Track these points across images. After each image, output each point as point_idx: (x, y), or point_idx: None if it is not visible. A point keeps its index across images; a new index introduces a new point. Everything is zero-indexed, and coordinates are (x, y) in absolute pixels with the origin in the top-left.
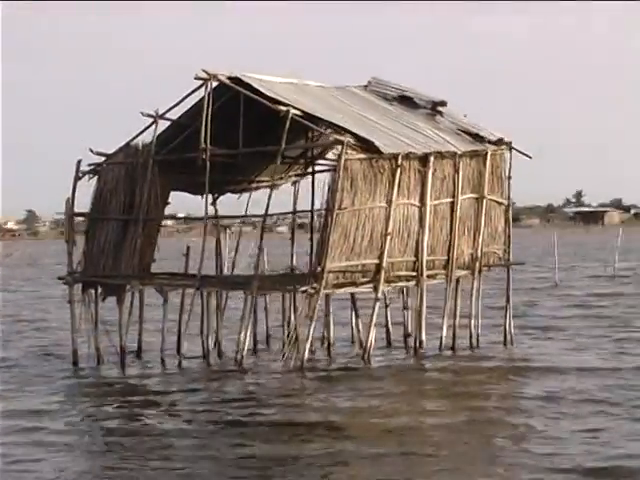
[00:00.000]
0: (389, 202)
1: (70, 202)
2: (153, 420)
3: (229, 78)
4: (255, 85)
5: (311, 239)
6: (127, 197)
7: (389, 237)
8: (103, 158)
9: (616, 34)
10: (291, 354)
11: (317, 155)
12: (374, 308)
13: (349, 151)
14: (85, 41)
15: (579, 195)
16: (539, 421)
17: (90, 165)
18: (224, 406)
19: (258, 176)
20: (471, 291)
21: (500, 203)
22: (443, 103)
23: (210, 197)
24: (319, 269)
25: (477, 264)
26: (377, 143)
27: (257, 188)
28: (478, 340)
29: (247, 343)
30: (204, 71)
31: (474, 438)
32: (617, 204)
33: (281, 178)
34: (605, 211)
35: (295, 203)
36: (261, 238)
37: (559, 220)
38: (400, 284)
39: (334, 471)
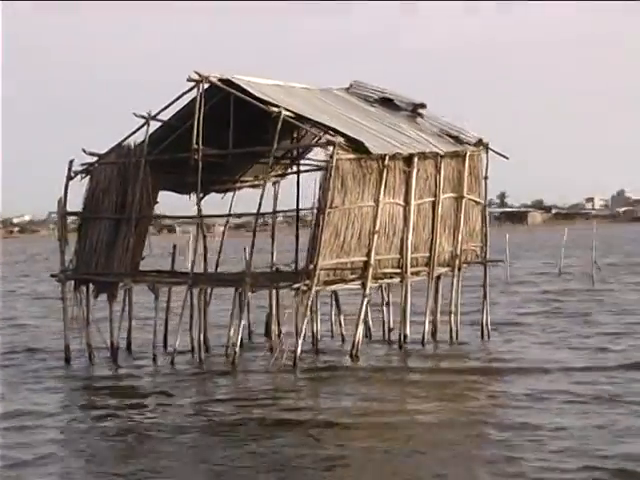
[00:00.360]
0: (376, 201)
1: (62, 201)
2: (145, 419)
3: (220, 80)
4: (246, 87)
5: (297, 237)
6: (119, 196)
7: (376, 235)
8: (95, 158)
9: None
10: (281, 351)
11: (300, 155)
12: (362, 304)
13: (339, 151)
14: (77, 41)
15: (503, 196)
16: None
17: (82, 165)
18: (218, 405)
19: (242, 176)
20: (451, 287)
21: (477, 202)
22: (423, 105)
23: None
24: (311, 266)
25: (457, 261)
26: (367, 144)
27: (240, 188)
28: (457, 335)
29: (238, 339)
30: (196, 73)
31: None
32: (538, 205)
33: (264, 178)
34: (528, 211)
35: (276, 202)
36: (254, 236)
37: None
38: (386, 281)
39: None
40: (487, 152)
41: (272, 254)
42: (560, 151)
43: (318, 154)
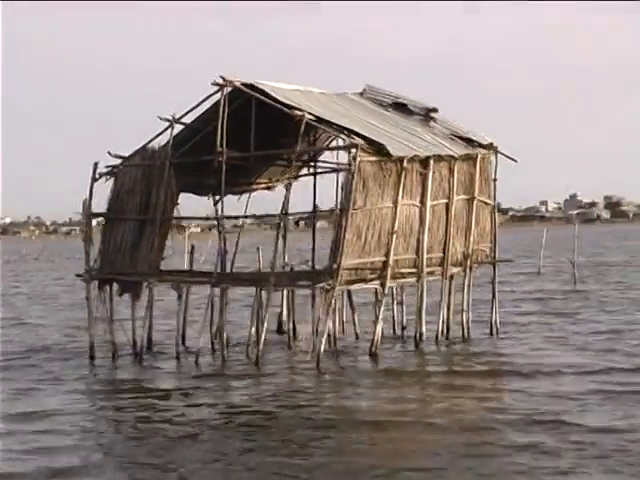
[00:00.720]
0: (395, 202)
1: (88, 203)
2: (169, 420)
3: (243, 84)
4: (270, 92)
5: (313, 238)
6: (143, 198)
7: (395, 236)
8: (119, 160)
9: None
10: (309, 351)
11: (313, 157)
12: (381, 303)
13: (361, 154)
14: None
15: None
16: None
17: (107, 167)
18: (244, 406)
19: (258, 178)
20: (462, 287)
21: (487, 204)
22: (435, 110)
23: (210, 198)
24: (335, 266)
25: (468, 261)
26: (388, 147)
27: (255, 189)
28: (469, 332)
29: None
30: (221, 77)
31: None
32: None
33: (277, 180)
34: None
35: (287, 204)
36: (277, 236)
37: None
38: (402, 280)
39: None
40: (496, 155)
41: (284, 254)
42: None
43: (333, 156)
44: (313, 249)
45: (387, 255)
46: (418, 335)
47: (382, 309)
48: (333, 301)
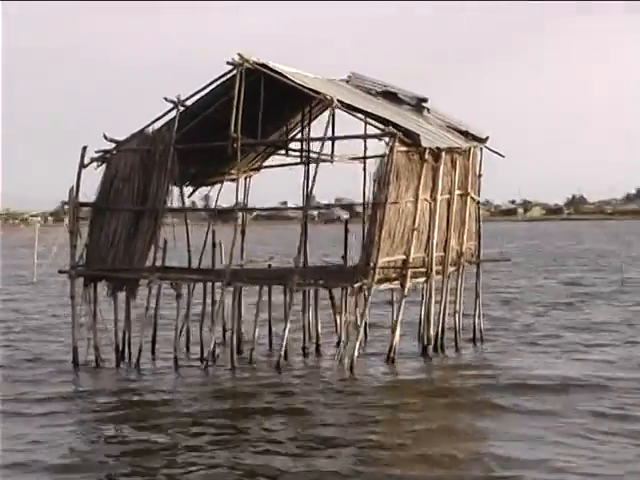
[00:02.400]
0: (415, 197)
1: (75, 190)
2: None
3: (262, 64)
4: (285, 73)
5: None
6: (141, 186)
7: (416, 232)
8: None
9: None
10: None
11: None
12: (401, 305)
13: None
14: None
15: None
16: None
17: (98, 152)
18: (270, 420)
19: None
20: (456, 287)
21: (475, 200)
22: (425, 100)
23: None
24: (371, 264)
25: (462, 260)
26: (421, 136)
27: (226, 180)
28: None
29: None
30: (239, 55)
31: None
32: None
33: (255, 169)
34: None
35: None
36: (304, 229)
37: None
38: (415, 280)
39: None
40: (481, 149)
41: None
42: None
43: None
44: (345, 245)
45: (407, 253)
46: (425, 339)
47: (401, 312)
48: (368, 302)
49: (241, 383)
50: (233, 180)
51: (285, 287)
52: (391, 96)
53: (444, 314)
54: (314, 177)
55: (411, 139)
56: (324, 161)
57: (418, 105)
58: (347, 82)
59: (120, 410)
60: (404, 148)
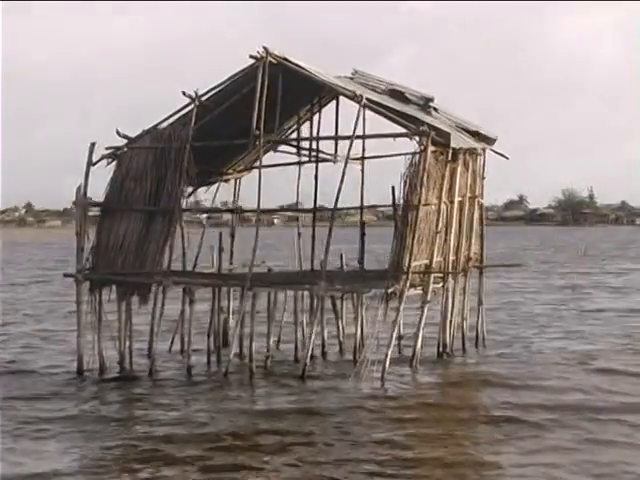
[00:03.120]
0: (438, 198)
1: (83, 190)
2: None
3: (285, 59)
4: (314, 72)
5: (313, 235)
6: (154, 186)
7: (439, 236)
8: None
9: None
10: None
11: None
12: (423, 311)
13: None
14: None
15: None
16: None
17: (108, 149)
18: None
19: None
20: (463, 292)
21: (480, 203)
22: (432, 99)
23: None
24: (404, 268)
25: (469, 264)
26: (452, 137)
27: (227, 180)
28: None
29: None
30: (264, 47)
31: None
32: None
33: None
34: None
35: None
36: (330, 231)
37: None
38: (434, 285)
39: None
40: (484, 151)
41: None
42: None
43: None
44: (362, 248)
45: (430, 257)
46: (441, 346)
47: (424, 317)
48: (401, 308)
49: (269, 400)
50: (226, 181)
51: (311, 293)
52: (398, 94)
53: (462, 318)
54: (342, 178)
55: (443, 139)
56: (327, 161)
57: (425, 105)
58: (351, 79)
59: (127, 421)
60: (432, 148)
